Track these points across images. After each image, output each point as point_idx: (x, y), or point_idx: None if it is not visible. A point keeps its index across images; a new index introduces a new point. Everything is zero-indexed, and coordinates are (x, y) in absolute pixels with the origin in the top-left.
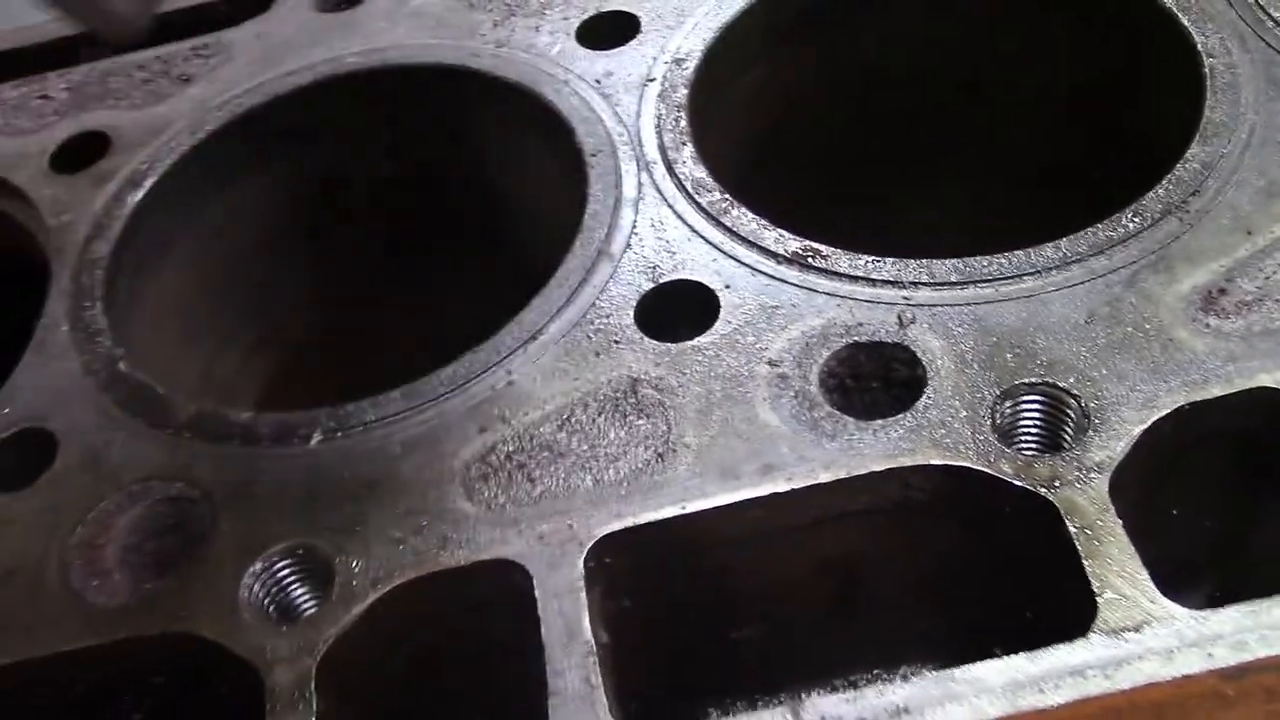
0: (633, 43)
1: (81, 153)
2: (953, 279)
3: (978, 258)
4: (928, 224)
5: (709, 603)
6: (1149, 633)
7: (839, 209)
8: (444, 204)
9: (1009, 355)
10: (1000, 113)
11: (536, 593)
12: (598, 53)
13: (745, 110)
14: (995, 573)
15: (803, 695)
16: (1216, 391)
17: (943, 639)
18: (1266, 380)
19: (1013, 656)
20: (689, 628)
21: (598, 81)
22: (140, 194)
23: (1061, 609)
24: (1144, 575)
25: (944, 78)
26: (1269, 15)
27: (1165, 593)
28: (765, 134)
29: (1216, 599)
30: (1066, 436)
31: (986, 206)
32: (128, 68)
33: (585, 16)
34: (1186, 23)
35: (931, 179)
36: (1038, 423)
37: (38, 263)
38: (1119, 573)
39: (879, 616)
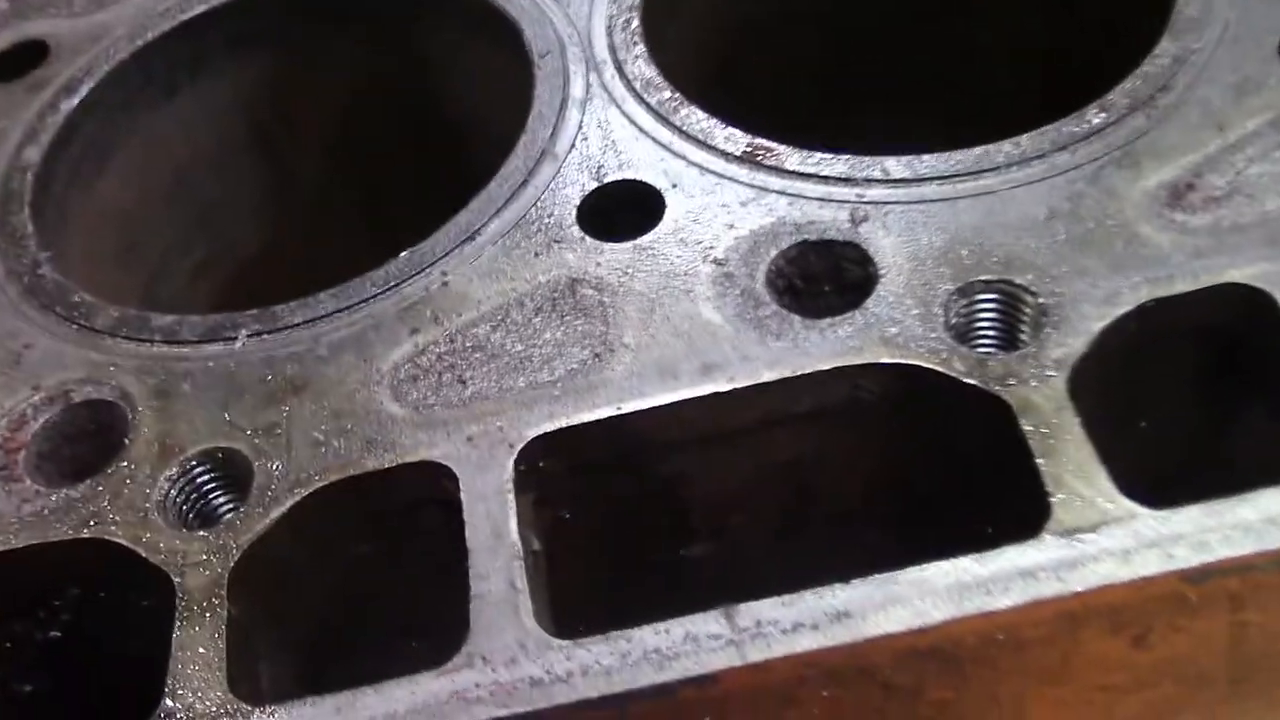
0: None
1: (18, 61)
2: (907, 175)
3: (933, 154)
4: (889, 140)
5: (656, 517)
6: (1106, 533)
7: (797, 123)
8: (392, 112)
9: (964, 252)
10: (960, 30)
11: (463, 495)
12: None
13: (702, 22)
14: (949, 478)
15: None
16: (1182, 287)
17: (896, 552)
18: (1235, 275)
19: (959, 558)
20: (635, 543)
21: None
22: (75, 100)
23: (1017, 515)
24: (1102, 474)
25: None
26: None
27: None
28: (722, 49)
29: None
30: (1023, 334)
31: (953, 118)
32: None
33: None
34: None
35: (894, 92)
36: (993, 320)
37: None
38: (1075, 472)
39: (832, 531)
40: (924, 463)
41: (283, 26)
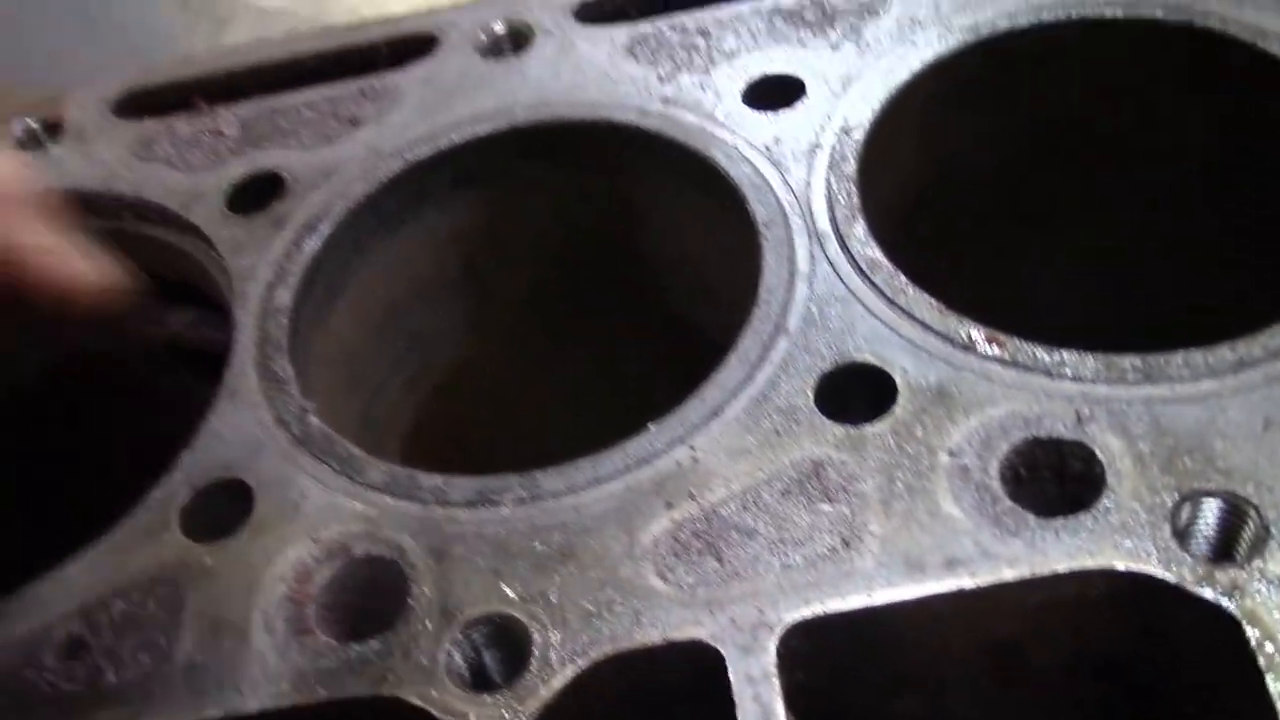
0: (799, 106)
1: (258, 193)
2: (1129, 376)
3: (1156, 355)
4: (1068, 278)
5: (876, 676)
6: None
7: (986, 277)
8: (602, 260)
9: (1187, 459)
10: (1147, 190)
11: (731, 677)
12: (764, 115)
13: (896, 180)
14: (1166, 677)
15: None
16: None
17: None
18: None
19: None
20: (853, 698)
21: (766, 147)
22: (318, 241)
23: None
24: None
25: (1095, 151)
26: None
27: None
28: (910, 206)
29: None
30: (1244, 546)
31: (1122, 263)
32: (298, 107)
33: (751, 77)
34: None
35: (1072, 235)
36: (1217, 530)
37: (213, 299)
38: None
39: (1036, 701)
40: (1136, 655)
41: (501, 166)
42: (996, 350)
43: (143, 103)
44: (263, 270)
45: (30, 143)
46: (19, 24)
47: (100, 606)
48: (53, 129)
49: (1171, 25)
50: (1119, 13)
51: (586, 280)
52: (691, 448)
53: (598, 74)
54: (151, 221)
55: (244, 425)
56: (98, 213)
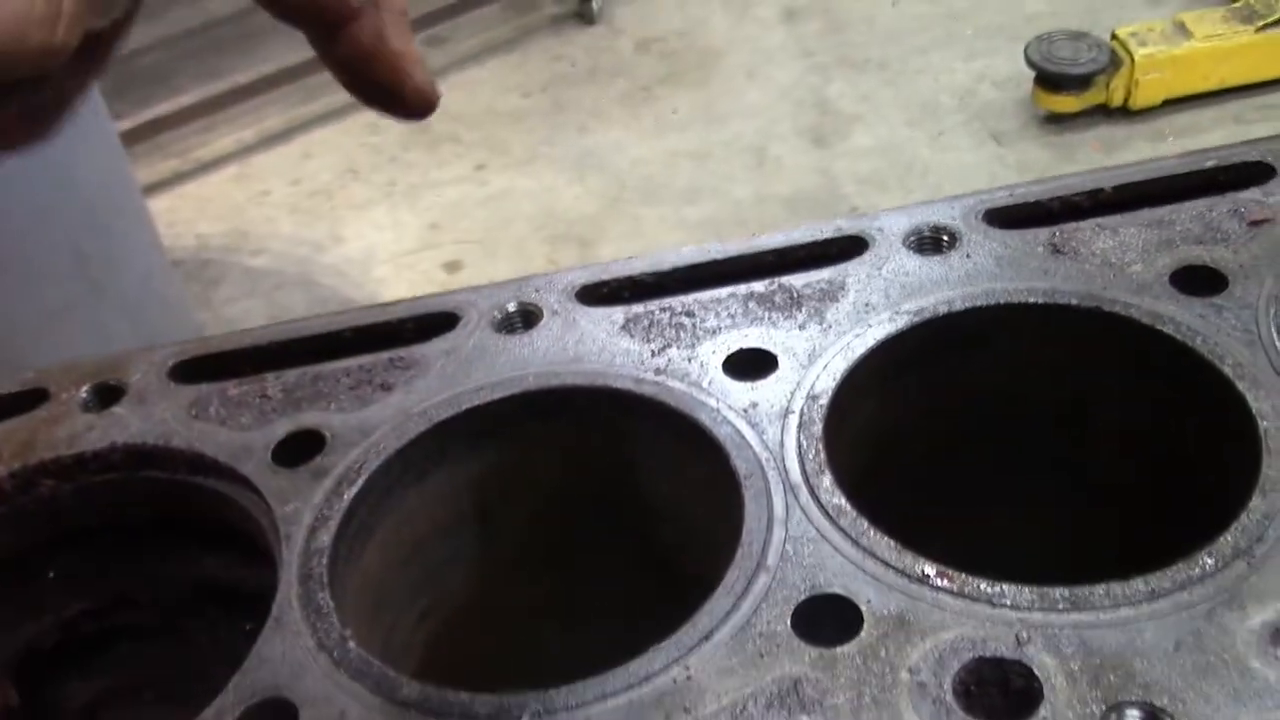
0: (772, 377)
1: (299, 449)
2: (1060, 605)
3: (1083, 587)
4: (1011, 532)
5: None
6: None
7: (935, 527)
8: (600, 506)
9: (1112, 675)
10: (1075, 450)
11: None
12: (743, 384)
13: (858, 438)
14: None
15: None
16: None
17: None
18: None
19: None
20: None
21: (745, 411)
22: (354, 490)
23: None
24: None
25: (1028, 420)
26: None
27: None
28: (871, 460)
29: None
30: None
31: (1062, 522)
32: (335, 374)
33: (730, 351)
34: (1242, 388)
35: (1016, 506)
36: None
37: (258, 544)
38: None
39: None
40: None
41: (513, 425)
42: (947, 583)
43: (196, 369)
44: (306, 515)
45: (94, 404)
46: (19, 279)
47: None
48: (115, 392)
49: (1083, 309)
50: (1039, 299)
51: (585, 524)
52: (686, 667)
53: (598, 348)
54: (205, 474)
55: (289, 650)
56: (157, 466)
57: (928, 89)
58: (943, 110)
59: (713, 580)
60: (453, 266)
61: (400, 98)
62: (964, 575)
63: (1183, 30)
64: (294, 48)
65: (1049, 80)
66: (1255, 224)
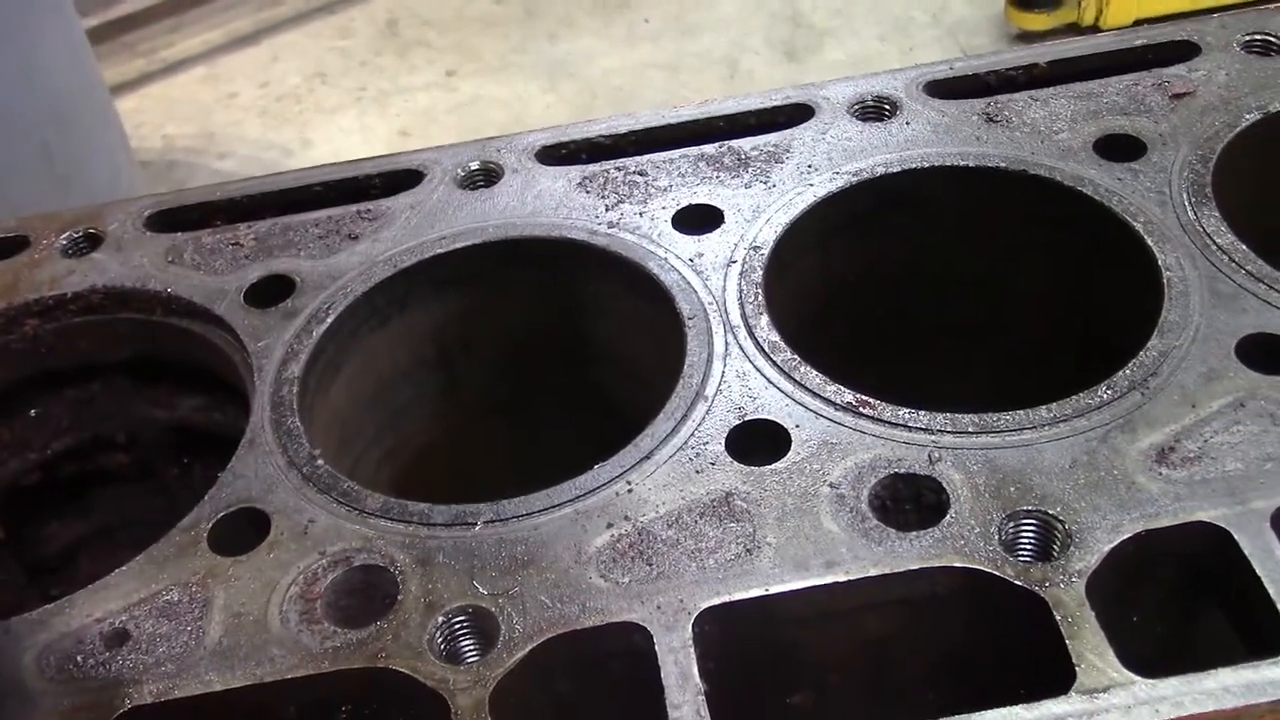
0: (718, 230)
1: (270, 291)
2: (970, 429)
3: (990, 413)
4: (946, 388)
5: (774, 673)
6: (1113, 693)
7: (874, 371)
8: (554, 350)
9: (1012, 489)
10: (1003, 305)
11: (657, 648)
12: (690, 237)
13: (801, 288)
14: (997, 653)
15: None
16: (1165, 523)
17: (956, 709)
18: (1203, 516)
19: (1012, 707)
20: (755, 691)
21: (691, 260)
22: (323, 328)
23: (1049, 681)
24: (1110, 653)
25: (960, 276)
26: (1212, 241)
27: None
28: (817, 308)
29: None
30: (1054, 550)
31: (993, 374)
32: (305, 224)
33: (679, 207)
34: (1151, 242)
35: (948, 355)
36: (1033, 539)
37: (230, 383)
38: (1092, 650)
39: (905, 690)
40: (981, 643)
41: (474, 273)
42: (868, 410)
43: (171, 219)
44: (277, 350)
45: (74, 250)
46: None
47: (140, 604)
48: (94, 239)
49: (1011, 172)
50: (970, 163)
51: (540, 369)
52: (628, 482)
53: (555, 203)
54: (181, 315)
55: (261, 468)
56: (134, 307)
57: (900, 4)
58: (914, 25)
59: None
60: None
61: None
62: (884, 404)
63: None
64: None
65: None
66: (1177, 96)
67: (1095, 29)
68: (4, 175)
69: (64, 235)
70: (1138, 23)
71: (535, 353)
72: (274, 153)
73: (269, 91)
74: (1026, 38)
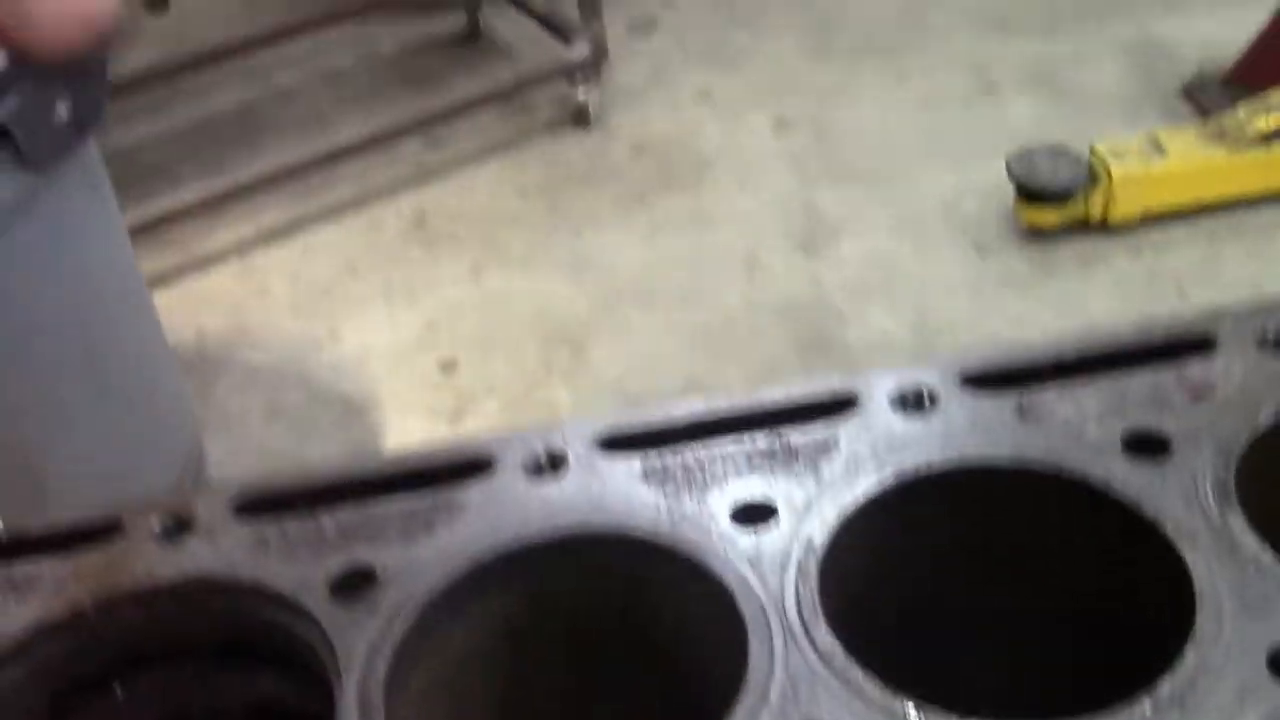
0: (773, 525)
1: (354, 583)
2: None
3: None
4: (980, 661)
5: None
6: None
7: (906, 658)
8: (618, 639)
9: None
10: (1036, 597)
11: None
12: (747, 532)
13: (850, 575)
14: None
15: None
16: None
17: None
18: None
19: None
20: None
21: (749, 558)
22: (405, 622)
23: None
24: None
25: (995, 568)
26: (1239, 545)
27: None
28: (863, 594)
29: None
30: None
31: (1023, 652)
32: (385, 515)
33: (735, 500)
34: (1179, 546)
35: (982, 644)
36: None
37: (314, 671)
38: None
39: None
40: None
41: (544, 564)
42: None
43: (258, 506)
44: (360, 646)
45: (167, 537)
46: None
47: None
48: (184, 526)
49: (1045, 472)
50: (1005, 464)
51: (605, 654)
52: None
53: (619, 494)
54: (268, 604)
55: None
56: (224, 596)
57: (913, 200)
58: (927, 221)
59: (718, 713)
60: (448, 366)
61: None
62: (938, 714)
63: (1158, 147)
64: (296, 145)
65: (1029, 194)
66: (1197, 394)
67: (1103, 224)
68: (48, 378)
69: (157, 522)
70: (1144, 218)
71: (602, 639)
72: (304, 345)
73: (300, 285)
74: (1037, 233)
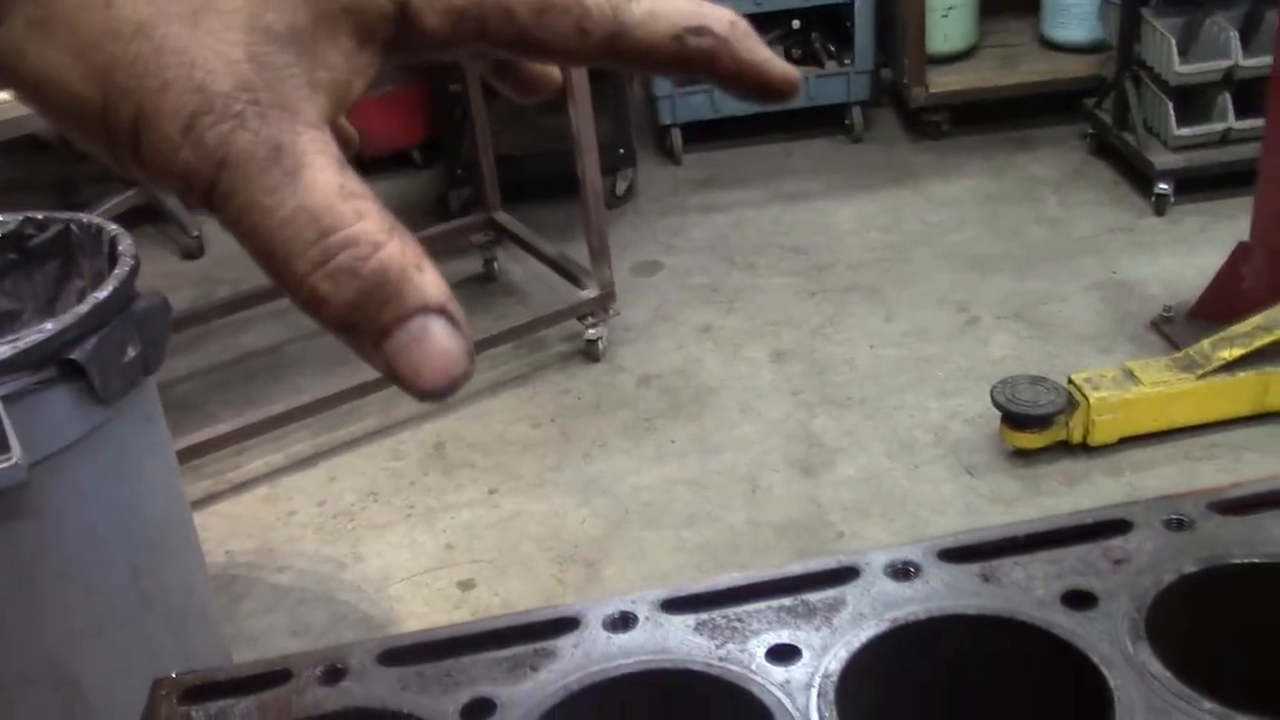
0: (799, 662)
1: (479, 711)
2: None
3: None
4: None
5: None
6: None
7: None
8: None
9: None
10: (997, 714)
11: None
12: (779, 667)
13: (859, 701)
14: None
15: None
16: None
17: None
18: None
19: None
20: None
21: (781, 685)
22: None
23: None
24: None
25: (966, 695)
26: (1148, 670)
27: None
28: (869, 711)
29: None
30: None
31: None
32: (498, 659)
33: (769, 645)
34: (1104, 671)
35: None
36: None
37: None
38: None
39: None
40: None
41: (622, 692)
42: None
43: (397, 657)
44: None
45: (326, 680)
46: (78, 592)
47: None
48: (339, 673)
49: (1003, 619)
50: (973, 612)
51: None
52: None
53: (678, 641)
54: None
55: None
56: None
57: (905, 425)
58: (919, 444)
59: None
60: (466, 585)
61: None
62: None
63: (1131, 377)
64: (323, 380)
65: (1014, 419)
66: (1117, 563)
67: (1084, 446)
68: (95, 595)
69: (318, 669)
70: (1122, 440)
71: None
72: (328, 566)
73: (325, 509)
74: (1021, 454)
